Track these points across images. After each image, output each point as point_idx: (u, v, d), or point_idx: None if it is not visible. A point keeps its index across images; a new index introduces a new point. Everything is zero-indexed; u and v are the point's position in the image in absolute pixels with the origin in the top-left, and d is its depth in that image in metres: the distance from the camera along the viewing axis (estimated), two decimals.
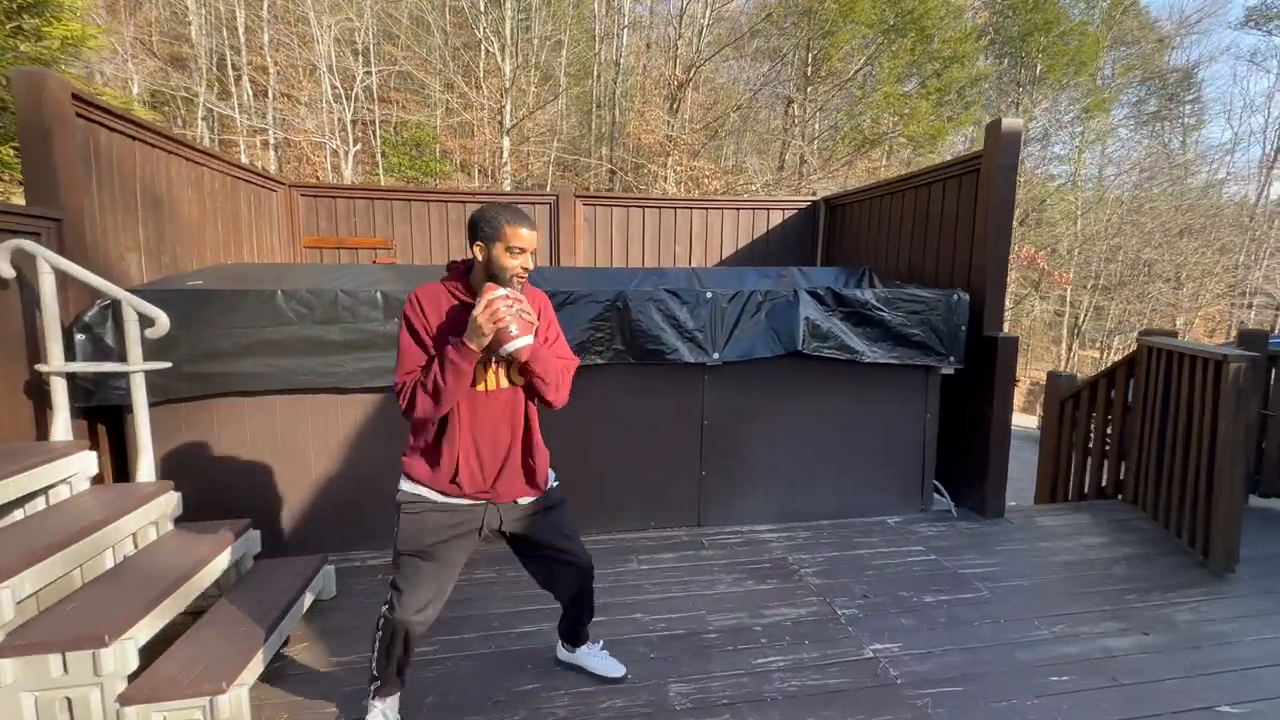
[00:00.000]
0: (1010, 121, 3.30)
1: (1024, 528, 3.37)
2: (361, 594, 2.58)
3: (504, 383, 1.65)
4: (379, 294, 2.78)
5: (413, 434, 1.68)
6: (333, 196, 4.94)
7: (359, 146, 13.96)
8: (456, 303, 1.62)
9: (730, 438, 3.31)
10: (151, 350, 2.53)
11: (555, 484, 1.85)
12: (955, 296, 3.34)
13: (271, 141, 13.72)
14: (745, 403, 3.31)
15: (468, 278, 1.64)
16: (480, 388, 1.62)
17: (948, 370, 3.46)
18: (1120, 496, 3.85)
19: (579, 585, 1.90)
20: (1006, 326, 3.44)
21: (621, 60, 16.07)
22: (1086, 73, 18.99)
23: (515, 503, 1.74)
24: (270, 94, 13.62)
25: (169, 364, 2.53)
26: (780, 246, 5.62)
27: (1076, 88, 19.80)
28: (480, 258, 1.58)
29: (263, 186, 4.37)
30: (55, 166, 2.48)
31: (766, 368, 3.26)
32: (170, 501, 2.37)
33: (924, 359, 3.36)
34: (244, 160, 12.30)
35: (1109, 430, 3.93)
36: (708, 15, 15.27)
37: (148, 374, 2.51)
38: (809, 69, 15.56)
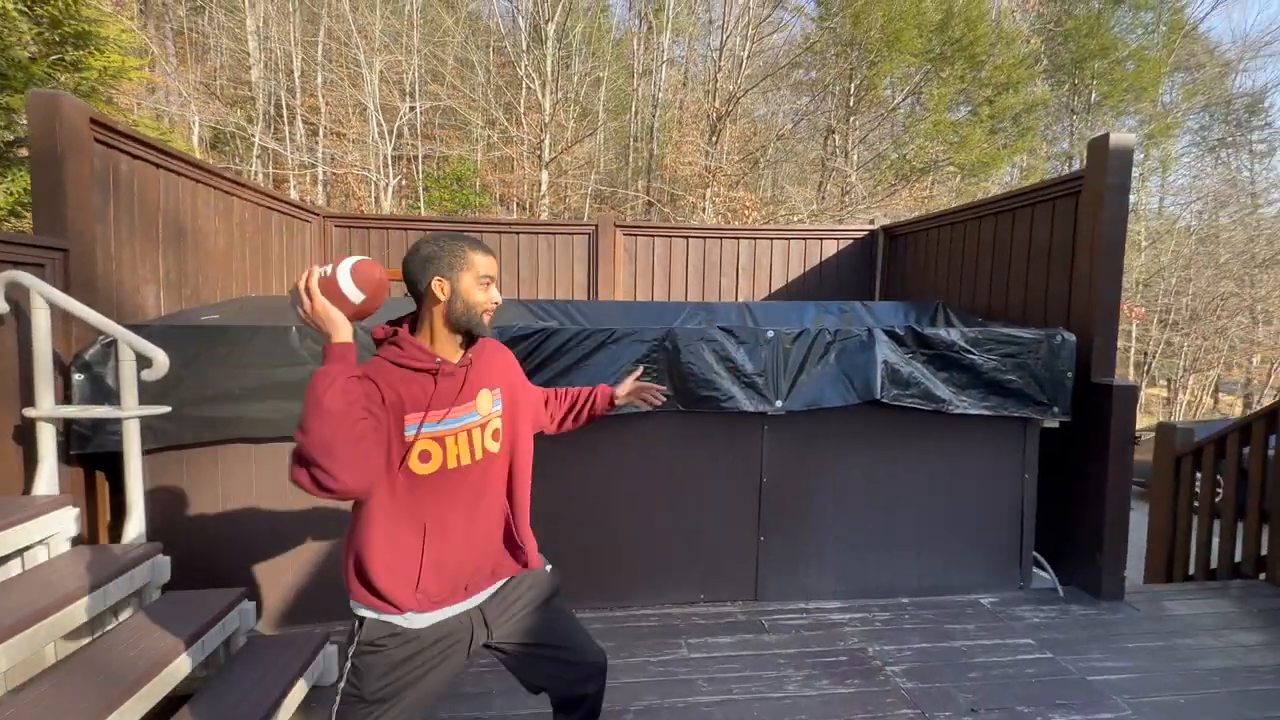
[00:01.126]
0: (1120, 136, 2.86)
1: (1153, 616, 2.79)
2: None
3: (478, 455, 1.29)
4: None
5: (355, 526, 1.24)
6: (367, 227, 4.80)
7: (399, 179, 14.26)
8: (412, 372, 1.24)
9: (793, 498, 2.87)
10: (154, 392, 2.28)
11: (549, 566, 1.47)
12: (1059, 337, 2.87)
13: (320, 176, 14.15)
14: (811, 458, 2.87)
15: (416, 336, 1.31)
16: (435, 466, 1.23)
17: (1051, 423, 2.96)
18: (1264, 575, 3.21)
19: (594, 687, 1.45)
20: None
21: (659, 95, 16.13)
22: (1147, 98, 18.13)
23: (493, 592, 1.34)
24: (320, 132, 14.11)
25: (167, 408, 2.27)
26: (834, 279, 5.21)
27: (1135, 114, 18.90)
28: (442, 296, 1.26)
29: (296, 217, 4.23)
30: (66, 193, 2.30)
31: (835, 418, 2.83)
32: (156, 567, 2.08)
33: (1022, 409, 2.88)
34: (293, 195, 12.67)
35: (1241, 496, 3.32)
36: (748, 48, 15.24)
37: (145, 419, 2.26)
38: (851, 99, 15.28)
